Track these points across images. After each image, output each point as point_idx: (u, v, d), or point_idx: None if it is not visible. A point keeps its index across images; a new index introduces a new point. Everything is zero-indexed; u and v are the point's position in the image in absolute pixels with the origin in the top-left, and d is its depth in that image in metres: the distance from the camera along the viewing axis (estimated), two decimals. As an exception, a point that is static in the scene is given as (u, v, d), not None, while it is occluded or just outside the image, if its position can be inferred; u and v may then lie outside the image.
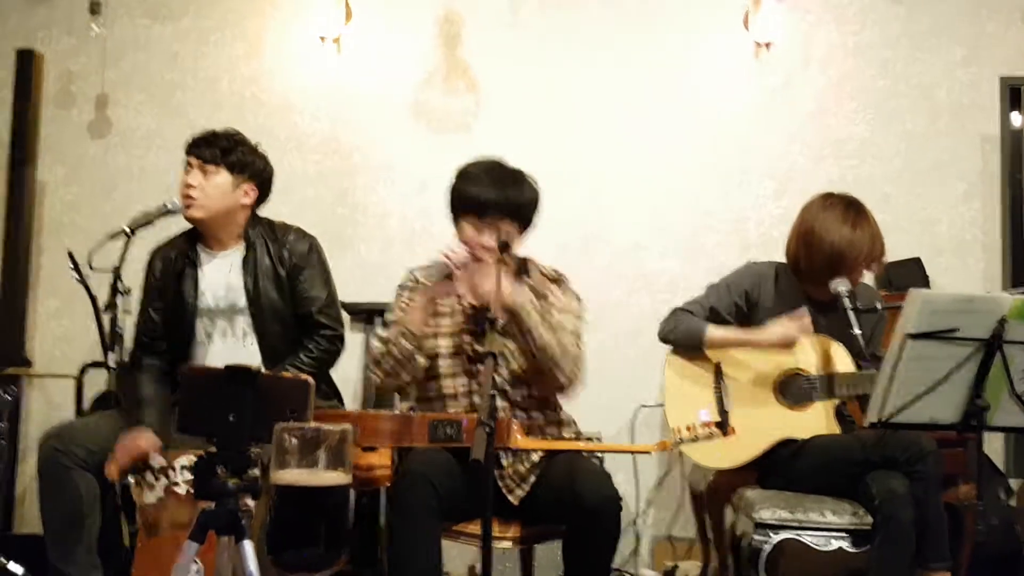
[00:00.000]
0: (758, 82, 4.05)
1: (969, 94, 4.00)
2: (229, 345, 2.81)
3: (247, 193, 2.85)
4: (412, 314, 2.51)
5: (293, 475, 1.40)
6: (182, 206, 2.81)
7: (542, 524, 2.50)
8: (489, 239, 2.53)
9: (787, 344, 2.83)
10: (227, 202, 2.82)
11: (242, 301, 2.81)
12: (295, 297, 2.83)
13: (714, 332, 2.87)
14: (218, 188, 2.80)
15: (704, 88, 4.06)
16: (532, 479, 2.51)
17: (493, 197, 2.54)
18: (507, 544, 2.49)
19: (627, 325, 3.92)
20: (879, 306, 2.87)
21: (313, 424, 1.41)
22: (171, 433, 2.57)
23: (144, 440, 2.56)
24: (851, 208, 2.86)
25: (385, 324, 2.63)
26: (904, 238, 3.70)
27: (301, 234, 2.92)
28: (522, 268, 2.72)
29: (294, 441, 1.40)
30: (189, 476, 2.54)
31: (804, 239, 2.87)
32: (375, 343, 2.57)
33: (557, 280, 2.71)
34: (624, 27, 4.10)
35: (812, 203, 2.93)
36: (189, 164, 2.83)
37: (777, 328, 2.82)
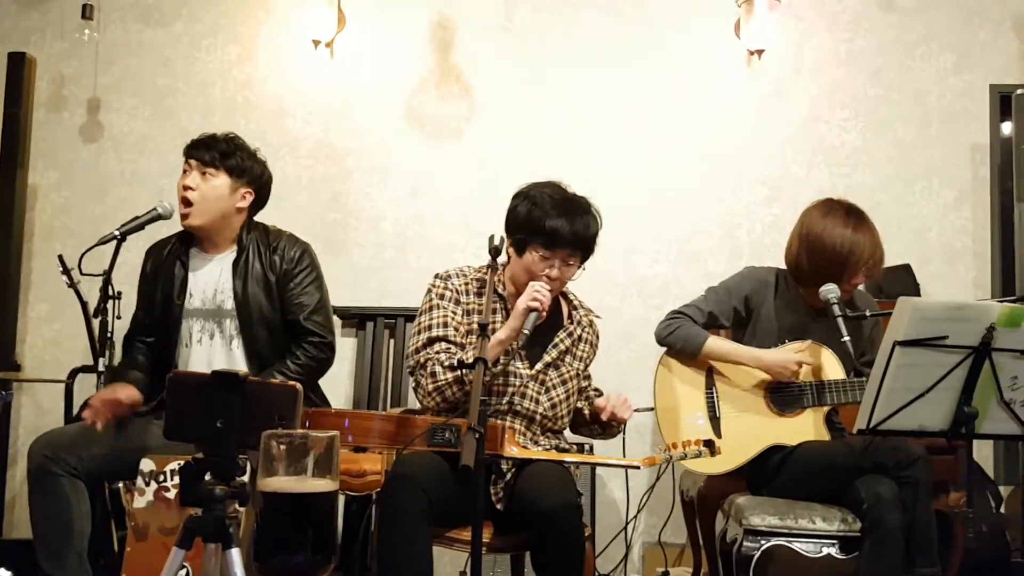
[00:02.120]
0: (750, 89, 4.06)
1: (960, 102, 4.02)
2: (216, 347, 2.81)
3: (244, 197, 2.85)
4: (494, 350, 2.46)
5: (281, 482, 1.39)
6: (179, 213, 2.80)
7: (520, 531, 2.47)
8: (555, 271, 2.54)
9: (780, 373, 2.83)
10: (223, 206, 2.82)
11: (229, 304, 2.80)
12: (285, 303, 2.82)
13: (713, 344, 2.88)
14: (215, 191, 2.80)
15: (697, 95, 4.08)
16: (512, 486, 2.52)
17: (568, 230, 2.52)
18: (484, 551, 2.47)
19: (619, 330, 3.93)
20: (868, 312, 2.88)
21: (301, 431, 1.41)
22: (151, 401, 2.72)
23: (124, 392, 2.65)
24: (852, 213, 2.87)
25: (426, 338, 2.54)
26: (894, 245, 3.70)
27: (294, 240, 2.91)
28: (555, 302, 2.72)
29: (282, 448, 1.39)
30: (179, 481, 2.54)
31: (806, 242, 2.87)
32: (439, 369, 2.47)
33: (592, 323, 2.77)
34: (617, 34, 4.11)
35: (813, 208, 2.93)
36: (188, 165, 2.83)
37: (778, 355, 2.82)
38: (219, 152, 2.81)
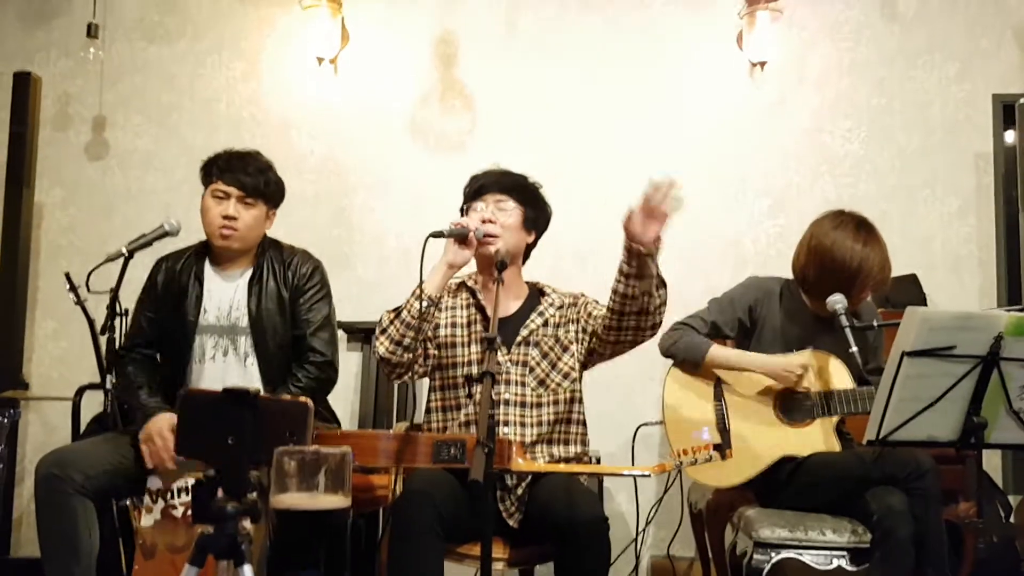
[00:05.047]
0: (753, 100, 4.07)
1: (963, 111, 4.03)
2: (230, 364, 2.79)
3: (270, 219, 2.88)
4: (431, 278, 2.52)
5: (293, 499, 1.40)
6: (218, 236, 2.77)
7: (535, 546, 2.48)
8: (489, 214, 2.63)
9: (785, 379, 2.82)
10: (259, 232, 2.85)
11: (244, 321, 2.80)
12: (294, 319, 2.83)
13: (716, 352, 2.88)
14: (256, 220, 2.80)
15: (699, 106, 4.09)
16: (526, 500, 2.52)
17: (484, 177, 2.72)
18: (499, 566, 2.47)
19: (625, 343, 3.92)
20: (875, 323, 2.88)
21: (312, 447, 1.41)
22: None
23: (167, 425, 2.59)
24: (863, 227, 2.85)
25: None
26: (900, 255, 3.68)
27: (307, 257, 2.92)
28: (534, 295, 2.77)
29: (294, 464, 1.39)
30: (186, 498, 2.54)
31: (814, 254, 2.86)
32: (383, 314, 2.56)
33: (575, 297, 2.77)
34: (619, 46, 4.13)
35: (823, 219, 2.91)
36: (223, 191, 2.76)
37: (780, 360, 2.82)
38: (263, 181, 2.79)
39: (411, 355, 2.53)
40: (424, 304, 2.49)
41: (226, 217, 2.75)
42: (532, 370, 2.62)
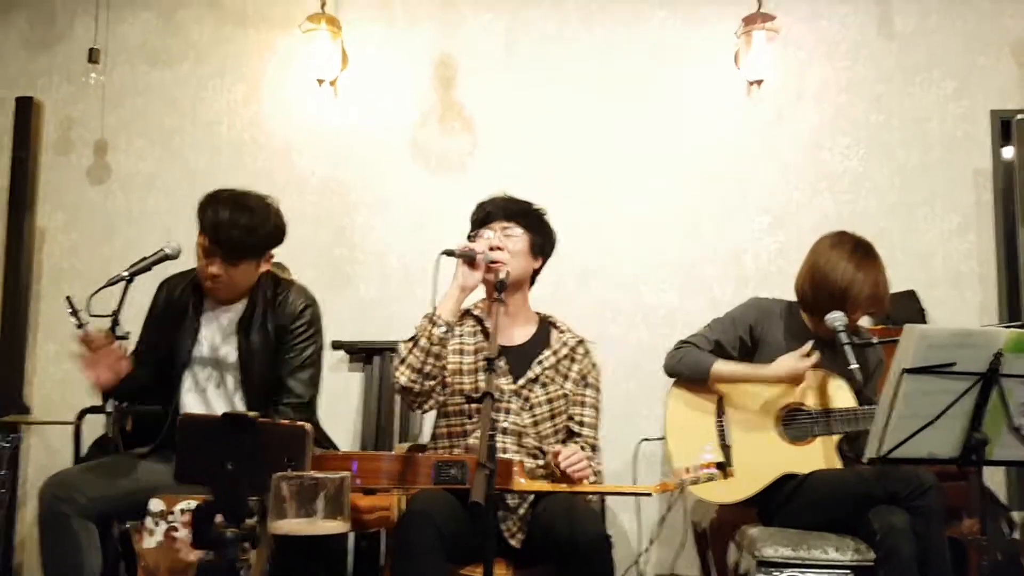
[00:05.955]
0: (752, 119, 4.08)
1: (961, 127, 4.04)
2: (217, 397, 2.79)
3: (267, 262, 2.82)
4: (444, 303, 2.54)
5: (291, 524, 1.40)
6: (204, 286, 2.75)
7: (539, 566, 2.48)
8: (497, 241, 2.67)
9: (794, 379, 2.83)
10: (250, 281, 2.79)
11: (233, 356, 2.78)
12: (278, 357, 2.79)
13: (720, 367, 2.88)
14: (243, 273, 2.74)
15: (698, 125, 4.10)
16: (528, 520, 2.52)
17: (491, 204, 2.77)
18: (501, 586, 2.47)
19: (626, 359, 3.93)
20: (874, 340, 2.88)
21: (311, 473, 1.41)
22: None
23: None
24: (859, 249, 2.88)
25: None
26: (900, 271, 3.70)
27: (300, 293, 2.86)
28: (544, 327, 2.79)
29: (292, 490, 1.40)
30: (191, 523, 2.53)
31: (811, 273, 2.90)
32: (401, 344, 2.57)
33: (581, 342, 2.79)
34: (617, 67, 4.14)
35: (824, 238, 2.96)
36: (209, 247, 2.68)
37: (785, 363, 2.83)
38: (248, 244, 2.68)
39: (432, 383, 2.55)
40: (443, 330, 2.50)
41: (212, 275, 2.71)
42: (533, 408, 2.64)
